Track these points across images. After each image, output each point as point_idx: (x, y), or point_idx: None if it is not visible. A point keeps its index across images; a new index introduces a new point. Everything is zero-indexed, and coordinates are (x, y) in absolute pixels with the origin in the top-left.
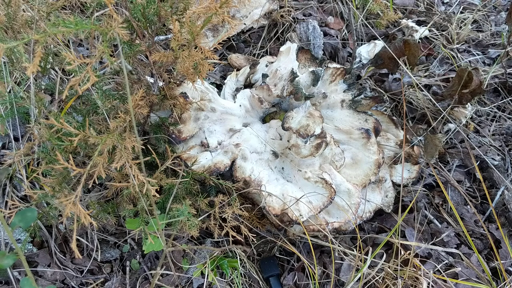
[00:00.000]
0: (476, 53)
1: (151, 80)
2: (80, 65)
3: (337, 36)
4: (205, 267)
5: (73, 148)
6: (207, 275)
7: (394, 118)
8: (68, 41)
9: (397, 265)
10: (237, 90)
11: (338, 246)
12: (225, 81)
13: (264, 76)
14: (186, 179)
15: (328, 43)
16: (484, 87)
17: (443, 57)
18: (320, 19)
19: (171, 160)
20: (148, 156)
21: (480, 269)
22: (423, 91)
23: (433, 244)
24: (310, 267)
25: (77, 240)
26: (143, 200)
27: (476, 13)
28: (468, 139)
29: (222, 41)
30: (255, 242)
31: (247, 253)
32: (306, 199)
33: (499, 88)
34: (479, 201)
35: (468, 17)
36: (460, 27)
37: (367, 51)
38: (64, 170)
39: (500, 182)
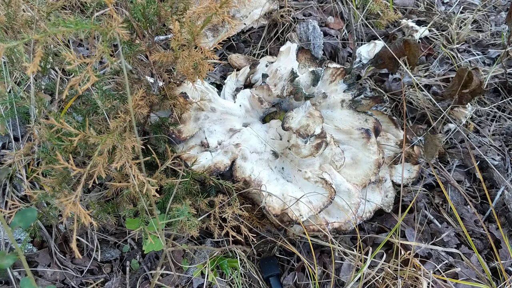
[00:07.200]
0: (476, 53)
1: (151, 80)
2: (80, 65)
3: (337, 36)
4: (205, 267)
5: (73, 148)
6: (207, 275)
7: (394, 118)
8: (68, 41)
9: (397, 265)
10: (237, 90)
11: (338, 246)
12: (225, 81)
13: (264, 76)
14: (186, 179)
15: (328, 43)
16: (484, 87)
17: (443, 57)
18: (320, 19)
19: (171, 160)
20: (148, 156)
21: (480, 269)
22: (423, 91)
23: (433, 244)
24: (310, 267)
25: (77, 240)
26: (143, 200)
27: (476, 13)
28: (468, 139)
29: (222, 41)
30: (255, 242)
31: (247, 253)
32: (306, 199)
33: (499, 88)
34: (479, 201)
35: (468, 17)
36: (460, 27)
37: (367, 51)
38: (64, 170)
39: (500, 182)
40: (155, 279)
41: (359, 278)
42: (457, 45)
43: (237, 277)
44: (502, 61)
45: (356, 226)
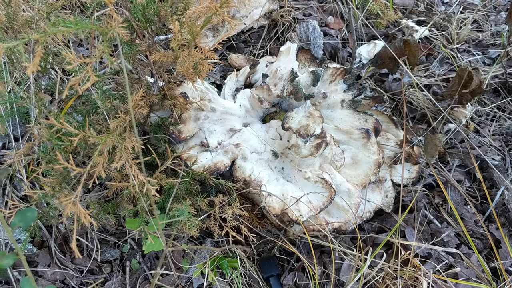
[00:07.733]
0: (476, 53)
1: (151, 80)
2: (80, 65)
3: (337, 36)
4: (205, 267)
5: (73, 148)
6: (207, 275)
7: (394, 118)
8: (68, 41)
9: (397, 265)
10: (237, 90)
11: (338, 246)
12: (225, 81)
13: (264, 76)
14: (186, 179)
15: (328, 43)
16: (484, 87)
17: (443, 57)
18: (320, 19)
19: (171, 160)
20: (148, 156)
21: (480, 269)
22: (423, 91)
23: (433, 244)
24: (310, 267)
25: (77, 240)
26: (143, 200)
27: (476, 13)
28: (468, 139)
29: (222, 41)
30: (255, 242)
31: (247, 253)
32: (306, 199)
33: (499, 88)
34: (479, 201)
35: (468, 17)
36: (460, 27)
37: (367, 51)
38: (64, 170)
39: (500, 182)
40: (155, 279)
41: (359, 278)
42: (457, 45)
43: (237, 277)
44: (502, 61)
45: (356, 226)
